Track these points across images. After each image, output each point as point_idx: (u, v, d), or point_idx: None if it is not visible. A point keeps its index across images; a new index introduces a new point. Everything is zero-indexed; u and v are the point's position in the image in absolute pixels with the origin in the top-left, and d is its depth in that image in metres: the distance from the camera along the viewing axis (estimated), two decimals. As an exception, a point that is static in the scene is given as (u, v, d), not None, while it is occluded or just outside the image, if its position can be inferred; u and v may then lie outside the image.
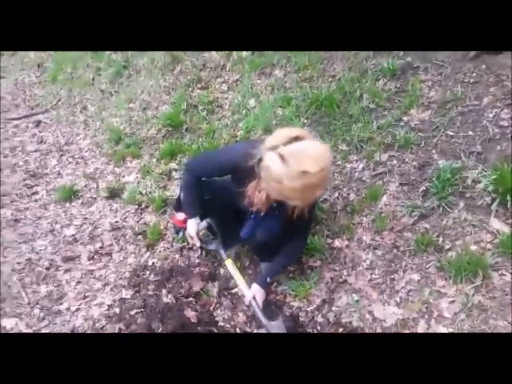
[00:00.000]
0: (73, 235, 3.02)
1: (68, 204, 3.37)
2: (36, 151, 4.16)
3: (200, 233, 2.27)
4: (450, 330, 1.85)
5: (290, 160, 1.60)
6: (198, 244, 2.22)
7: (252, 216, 2.10)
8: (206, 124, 3.36)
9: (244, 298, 2.19)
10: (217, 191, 2.19)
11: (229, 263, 2.19)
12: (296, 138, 1.64)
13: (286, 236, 2.12)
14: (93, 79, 4.66)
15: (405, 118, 2.59)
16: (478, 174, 2.18)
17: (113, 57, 4.55)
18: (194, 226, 2.17)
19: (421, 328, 1.90)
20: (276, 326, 2.02)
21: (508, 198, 2.02)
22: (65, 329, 2.29)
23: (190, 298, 2.31)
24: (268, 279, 2.19)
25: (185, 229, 2.23)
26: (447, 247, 2.08)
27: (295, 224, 1.98)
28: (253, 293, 2.10)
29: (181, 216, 2.30)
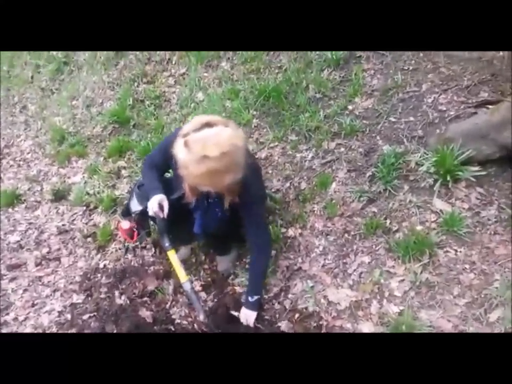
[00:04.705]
0: (18, 241, 2.89)
1: (10, 209, 3.20)
2: (-27, 155, 3.91)
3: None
4: (401, 308, 1.91)
5: (192, 146, 1.61)
6: (161, 215, 1.98)
7: (198, 210, 2.07)
8: (154, 119, 3.29)
9: (184, 288, 2.10)
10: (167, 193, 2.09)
11: (172, 254, 2.08)
12: (207, 125, 1.66)
13: (236, 221, 2.08)
14: (32, 77, 4.43)
15: (350, 107, 2.66)
16: (420, 157, 2.27)
17: (53, 53, 4.33)
18: (155, 200, 1.97)
19: (373, 308, 1.97)
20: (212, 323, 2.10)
21: (449, 178, 2.12)
22: (13, 340, 2.17)
23: (145, 298, 2.27)
24: (253, 298, 2.04)
25: (131, 242, 2.13)
26: (394, 228, 2.16)
27: (240, 207, 1.96)
28: (243, 318, 2.05)
29: (125, 224, 2.23)
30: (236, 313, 2.13)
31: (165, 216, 1.99)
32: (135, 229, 2.26)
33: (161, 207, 1.98)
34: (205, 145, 1.59)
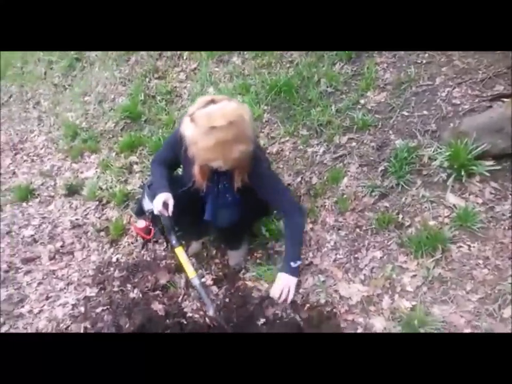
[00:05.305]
0: (32, 235, 2.92)
1: (24, 204, 3.25)
2: (-13, 150, 3.97)
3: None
4: (414, 303, 1.90)
5: (199, 120, 1.65)
6: (166, 213, 1.99)
7: (208, 196, 2.07)
8: (166, 114, 3.30)
9: (193, 284, 2.12)
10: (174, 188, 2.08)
11: (179, 251, 2.10)
12: (211, 102, 1.68)
13: (247, 208, 2.08)
14: (45, 73, 4.47)
15: (362, 101, 2.64)
16: (433, 151, 2.25)
17: (65, 50, 4.38)
18: (160, 199, 1.97)
19: (385, 303, 1.96)
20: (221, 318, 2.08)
21: (463, 173, 2.09)
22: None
23: (157, 292, 2.28)
24: (296, 263, 2.00)
25: (147, 239, 2.15)
26: (407, 223, 2.14)
27: (253, 184, 1.95)
28: (283, 284, 1.99)
29: (141, 223, 2.24)
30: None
31: (170, 214, 1.99)
32: (151, 227, 2.29)
33: (165, 205, 1.98)
34: (211, 117, 1.62)
